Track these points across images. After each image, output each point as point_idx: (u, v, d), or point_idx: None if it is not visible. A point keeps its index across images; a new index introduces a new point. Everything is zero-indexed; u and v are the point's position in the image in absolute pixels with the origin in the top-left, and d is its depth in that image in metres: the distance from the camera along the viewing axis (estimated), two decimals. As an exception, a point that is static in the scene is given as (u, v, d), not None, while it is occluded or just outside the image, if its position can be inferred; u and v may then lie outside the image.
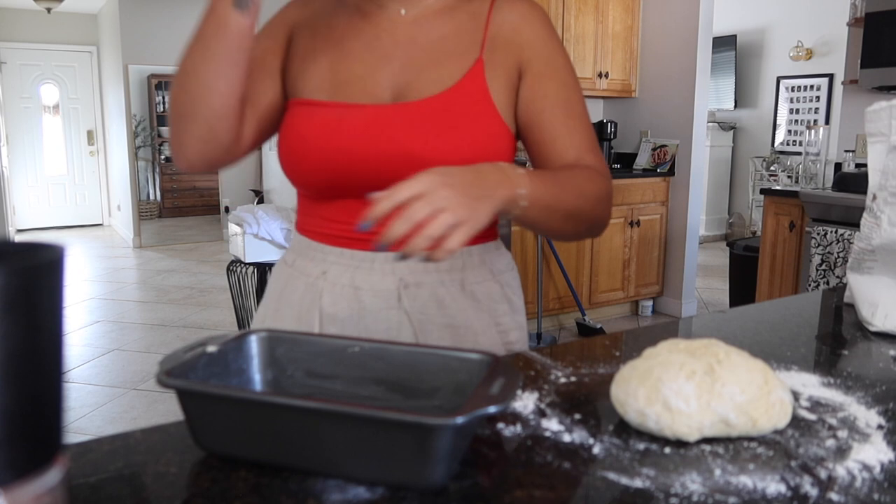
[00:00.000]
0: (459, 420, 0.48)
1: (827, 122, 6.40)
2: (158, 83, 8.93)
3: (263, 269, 3.55)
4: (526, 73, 0.94)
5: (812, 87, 6.62)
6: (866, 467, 0.56)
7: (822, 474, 0.55)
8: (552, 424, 0.63)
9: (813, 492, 0.52)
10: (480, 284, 0.96)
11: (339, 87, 0.91)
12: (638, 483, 0.54)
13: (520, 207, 0.77)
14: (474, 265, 0.95)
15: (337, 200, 0.93)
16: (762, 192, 3.76)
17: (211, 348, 0.61)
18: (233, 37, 0.80)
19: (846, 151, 3.79)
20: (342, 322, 0.92)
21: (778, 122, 6.94)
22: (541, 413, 0.66)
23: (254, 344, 0.66)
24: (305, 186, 0.95)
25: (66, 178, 8.51)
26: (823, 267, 3.29)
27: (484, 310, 0.95)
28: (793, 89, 6.78)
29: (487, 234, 0.99)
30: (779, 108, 6.92)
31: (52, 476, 0.30)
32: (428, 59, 0.93)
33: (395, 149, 0.87)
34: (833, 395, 0.71)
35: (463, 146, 0.88)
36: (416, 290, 0.92)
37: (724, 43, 6.97)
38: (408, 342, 0.70)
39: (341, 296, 0.92)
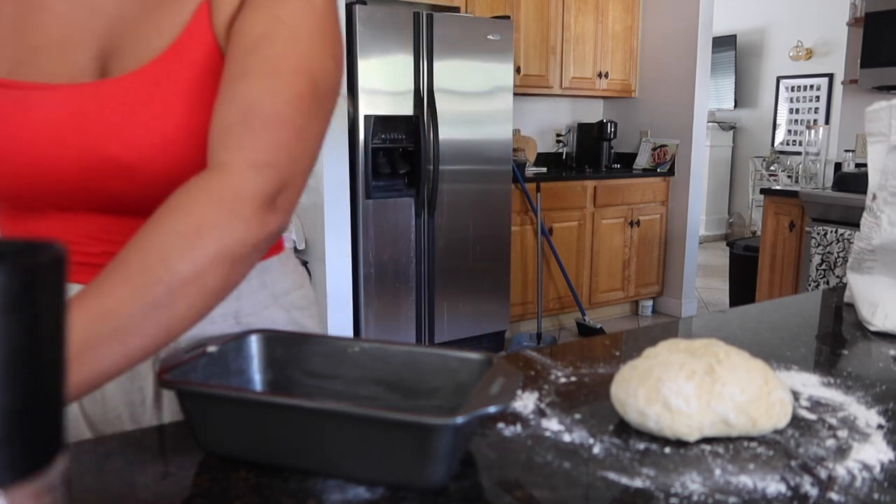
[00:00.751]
0: (459, 420, 0.48)
1: (827, 121, 6.40)
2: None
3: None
4: (245, 4, 0.65)
5: (812, 86, 6.62)
6: (866, 467, 0.56)
7: (822, 474, 0.55)
8: (552, 424, 0.63)
9: (813, 492, 0.52)
10: (258, 314, 0.76)
11: (25, 57, 0.64)
12: (638, 483, 0.54)
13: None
14: (252, 291, 0.74)
15: (49, 213, 0.67)
16: (762, 191, 3.76)
17: (211, 348, 0.61)
18: None
19: (846, 151, 3.79)
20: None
21: (778, 122, 6.94)
22: (541, 413, 0.66)
23: (253, 344, 0.66)
24: None
25: (66, 178, 8.51)
26: (823, 267, 3.29)
27: (310, 319, 0.82)
28: (793, 89, 6.78)
29: (272, 248, 0.77)
30: (779, 107, 6.93)
31: (52, 476, 0.30)
32: (141, 7, 0.66)
33: (92, 150, 0.63)
34: (833, 395, 0.71)
35: (176, 140, 0.62)
36: (250, 319, 0.74)
37: (724, 43, 6.97)
38: (407, 342, 0.70)
39: None
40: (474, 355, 0.62)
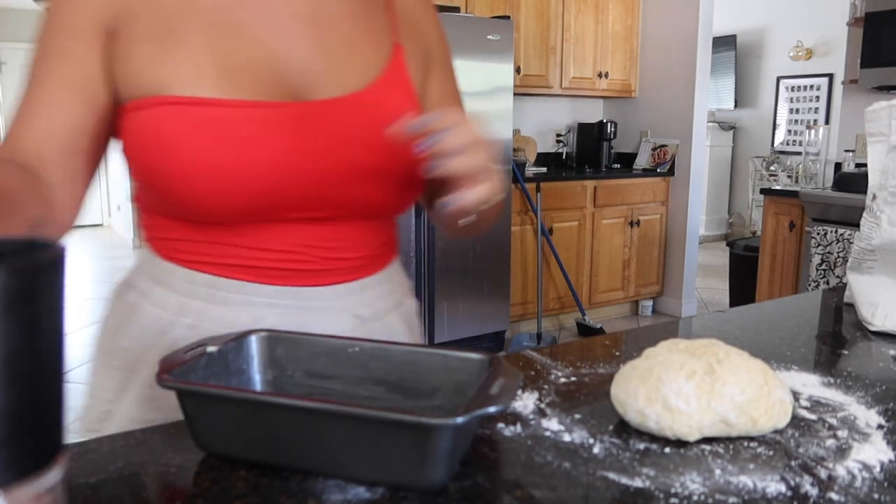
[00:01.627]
0: (459, 420, 0.48)
1: (827, 121, 6.40)
2: (158, 83, 8.93)
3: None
4: (431, 67, 0.83)
5: (812, 86, 6.62)
6: (866, 467, 0.56)
7: (822, 474, 0.55)
8: (552, 424, 0.63)
9: (813, 491, 0.52)
10: (381, 320, 0.81)
11: (231, 76, 0.68)
12: (638, 483, 0.54)
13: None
14: (379, 296, 0.82)
15: (257, 224, 0.72)
16: (762, 192, 3.76)
17: (211, 348, 0.61)
18: None
19: (846, 151, 3.79)
20: None
21: (778, 122, 6.94)
22: (541, 413, 0.66)
23: (254, 344, 0.66)
24: (199, 213, 0.69)
25: (66, 178, 8.51)
26: (823, 267, 3.29)
27: (415, 331, 0.88)
28: (793, 89, 6.78)
29: (394, 251, 0.85)
30: (779, 108, 6.93)
31: (52, 476, 0.30)
32: (339, 40, 0.74)
33: (342, 158, 0.71)
34: (833, 395, 0.71)
35: (402, 153, 0.70)
36: (371, 325, 0.79)
37: (724, 43, 6.98)
38: (407, 343, 0.70)
39: None
40: (474, 355, 0.62)
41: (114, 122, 0.71)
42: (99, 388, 0.76)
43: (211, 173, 0.66)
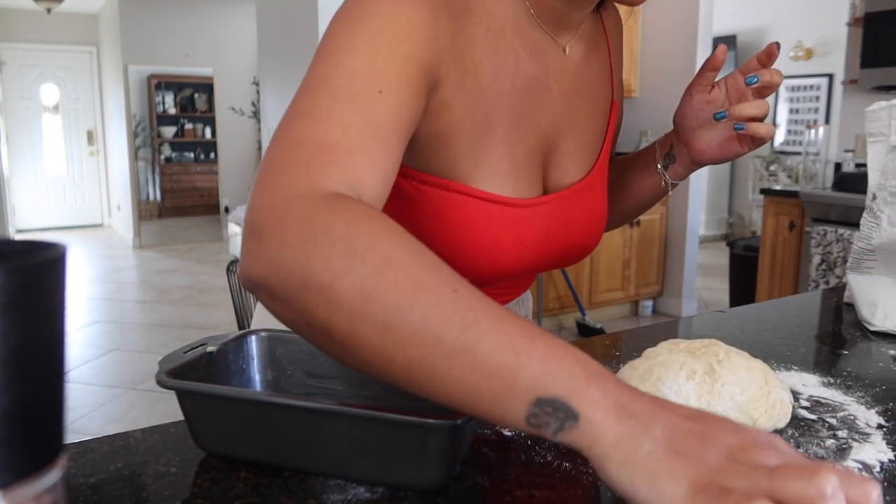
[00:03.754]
0: (460, 421, 0.48)
1: (827, 121, 6.40)
2: (158, 83, 8.94)
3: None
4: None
5: (812, 87, 6.62)
6: (866, 467, 0.56)
7: (822, 474, 0.55)
8: (552, 424, 0.63)
9: (813, 492, 0.52)
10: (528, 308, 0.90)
11: (519, 173, 0.68)
12: (638, 483, 0.54)
13: None
14: (529, 307, 0.91)
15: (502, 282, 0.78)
16: (762, 192, 3.76)
17: (211, 348, 0.61)
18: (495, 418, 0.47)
19: (846, 151, 3.79)
20: None
21: (778, 122, 6.94)
22: (541, 413, 0.66)
23: (254, 344, 0.66)
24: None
25: (66, 178, 8.52)
26: (823, 267, 3.29)
27: None
28: (793, 89, 6.78)
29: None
30: (778, 108, 6.93)
31: (52, 476, 0.30)
32: (584, 113, 0.75)
33: (572, 244, 0.75)
34: (833, 395, 0.71)
35: (601, 227, 0.79)
36: None
37: (723, 43, 6.98)
38: None
39: None
40: None
41: None
42: None
43: (489, 256, 0.67)
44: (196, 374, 0.58)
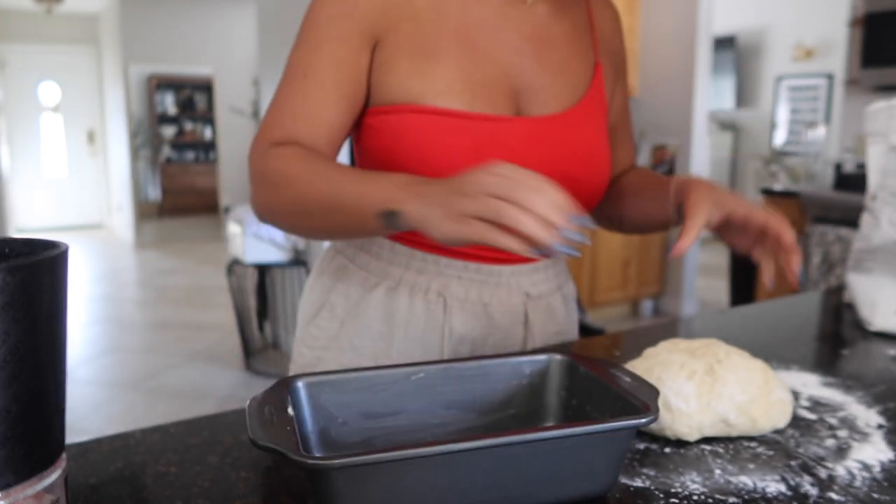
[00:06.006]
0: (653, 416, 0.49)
1: (827, 121, 6.40)
2: (158, 83, 8.94)
3: (263, 270, 3.55)
4: (618, 80, 0.92)
5: (812, 86, 6.62)
6: (866, 467, 0.56)
7: (822, 474, 0.55)
8: (552, 424, 0.63)
9: (813, 491, 0.52)
10: (545, 298, 0.90)
11: (475, 92, 0.77)
12: (638, 483, 0.54)
13: None
14: (566, 274, 0.96)
15: None
16: (762, 192, 3.76)
17: (290, 411, 0.51)
18: (366, 232, 0.69)
19: (846, 151, 3.79)
20: (472, 342, 0.83)
21: (778, 122, 6.94)
22: (541, 413, 0.66)
23: (299, 393, 0.55)
24: None
25: (66, 178, 8.52)
26: (823, 267, 3.29)
27: (571, 311, 0.95)
28: (793, 89, 6.78)
29: None
30: (779, 108, 6.92)
31: (52, 476, 0.30)
32: (558, 60, 0.83)
33: (555, 171, 0.76)
34: (833, 395, 0.71)
35: (598, 165, 0.84)
36: (536, 303, 0.87)
37: (724, 43, 6.97)
38: (471, 356, 0.66)
39: (472, 314, 0.82)
40: (542, 356, 0.62)
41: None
42: (311, 337, 0.88)
43: (448, 163, 0.75)
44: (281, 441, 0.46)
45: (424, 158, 0.75)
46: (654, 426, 0.60)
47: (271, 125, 0.77)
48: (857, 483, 0.54)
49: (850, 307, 1.03)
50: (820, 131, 3.83)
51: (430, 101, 0.75)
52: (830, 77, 6.43)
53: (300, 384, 0.55)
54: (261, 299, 3.76)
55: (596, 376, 0.57)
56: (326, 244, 0.94)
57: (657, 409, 0.50)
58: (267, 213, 0.76)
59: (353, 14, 0.76)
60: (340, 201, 0.67)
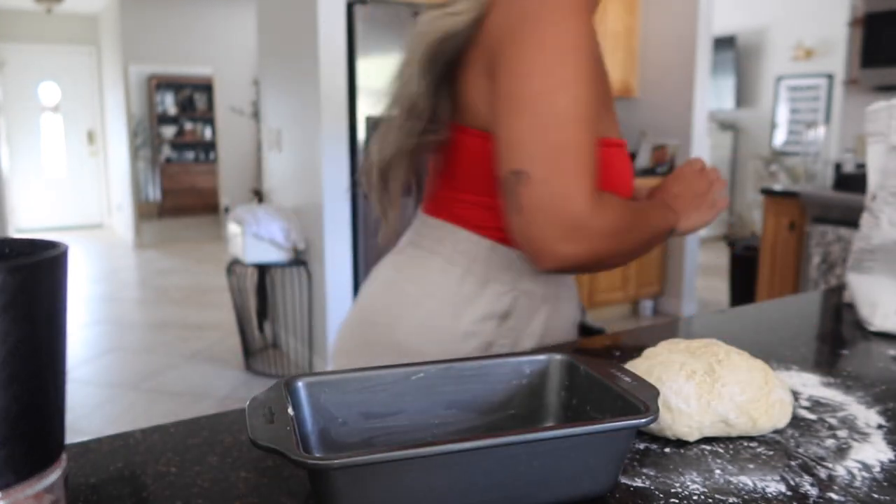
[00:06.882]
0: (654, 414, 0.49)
1: (827, 121, 6.40)
2: (158, 83, 8.93)
3: (263, 270, 3.55)
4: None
5: (812, 86, 6.62)
6: (866, 467, 0.56)
7: (822, 474, 0.55)
8: (552, 424, 0.63)
9: (813, 491, 0.52)
10: (565, 301, 0.98)
11: (615, 119, 0.89)
12: (638, 483, 0.54)
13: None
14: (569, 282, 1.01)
15: None
16: (762, 192, 3.76)
17: (291, 411, 0.51)
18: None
19: (846, 151, 3.79)
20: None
21: (778, 122, 6.94)
22: (541, 413, 0.66)
23: (299, 392, 0.55)
24: None
25: (66, 178, 8.52)
26: (823, 267, 3.29)
27: (571, 311, 1.01)
28: (793, 89, 6.78)
29: None
30: (779, 108, 6.92)
31: (52, 476, 0.30)
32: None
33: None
34: (833, 395, 0.71)
35: None
36: (579, 313, 1.00)
37: (724, 43, 6.97)
38: (471, 357, 0.65)
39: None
40: (541, 356, 0.62)
41: None
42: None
43: (628, 190, 0.87)
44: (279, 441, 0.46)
45: (618, 187, 0.83)
46: (654, 426, 0.60)
47: (586, 172, 0.71)
48: (857, 483, 0.54)
49: (850, 307, 1.03)
50: (820, 131, 3.83)
51: (605, 134, 0.82)
52: (830, 77, 6.43)
53: (300, 384, 0.56)
54: (261, 299, 3.76)
55: (596, 376, 0.57)
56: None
57: (657, 409, 0.50)
58: (604, 259, 0.76)
59: (596, 51, 0.80)
60: (657, 234, 0.84)
